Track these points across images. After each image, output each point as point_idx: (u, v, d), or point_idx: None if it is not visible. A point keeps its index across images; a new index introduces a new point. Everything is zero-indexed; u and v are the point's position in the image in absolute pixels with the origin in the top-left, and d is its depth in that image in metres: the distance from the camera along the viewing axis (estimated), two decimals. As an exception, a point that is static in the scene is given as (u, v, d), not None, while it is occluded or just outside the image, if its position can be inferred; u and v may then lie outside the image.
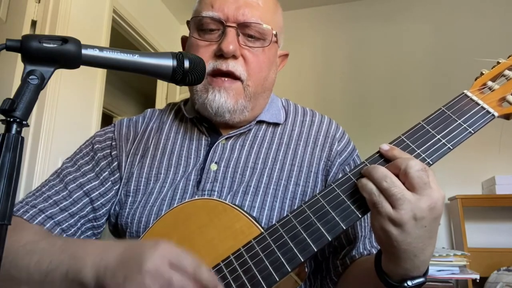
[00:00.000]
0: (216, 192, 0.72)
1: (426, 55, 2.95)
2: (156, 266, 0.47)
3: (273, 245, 0.54)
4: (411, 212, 0.48)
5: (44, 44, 0.45)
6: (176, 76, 0.55)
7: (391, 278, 0.54)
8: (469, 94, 0.59)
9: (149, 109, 0.89)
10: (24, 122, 0.41)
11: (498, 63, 0.62)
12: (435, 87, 2.81)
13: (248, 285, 0.52)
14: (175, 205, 0.65)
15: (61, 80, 2.00)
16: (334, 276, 0.72)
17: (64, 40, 0.46)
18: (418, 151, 0.55)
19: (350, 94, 3.06)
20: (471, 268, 2.03)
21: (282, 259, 0.52)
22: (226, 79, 0.72)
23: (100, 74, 2.32)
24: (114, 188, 0.77)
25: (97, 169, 0.77)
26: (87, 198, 0.74)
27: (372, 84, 3.02)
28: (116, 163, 0.78)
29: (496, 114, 0.57)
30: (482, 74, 0.62)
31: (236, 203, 0.69)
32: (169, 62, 0.54)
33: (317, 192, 0.57)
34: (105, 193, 0.76)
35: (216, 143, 0.77)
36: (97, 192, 0.75)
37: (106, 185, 0.76)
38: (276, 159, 0.76)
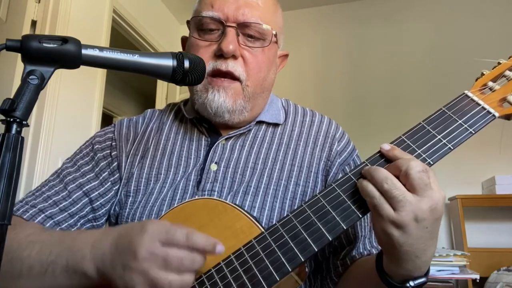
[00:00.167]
0: (216, 192, 0.72)
1: (426, 55, 2.95)
2: (149, 248, 0.48)
3: (273, 244, 0.54)
4: (413, 213, 0.48)
5: (44, 44, 0.45)
6: (176, 76, 0.55)
7: (392, 278, 0.54)
8: (469, 94, 0.59)
9: (149, 110, 0.89)
10: (24, 122, 0.42)
11: (499, 63, 0.62)
12: (435, 87, 2.81)
13: (248, 284, 0.52)
14: (175, 205, 0.65)
15: (61, 80, 2.00)
16: (335, 276, 0.72)
17: (64, 40, 0.46)
18: (419, 151, 0.55)
19: (350, 94, 3.06)
20: (471, 268, 2.03)
21: (283, 259, 0.52)
22: (225, 79, 0.72)
23: (100, 74, 2.32)
24: (114, 189, 0.77)
25: (97, 169, 0.77)
26: (87, 199, 0.74)
27: (372, 84, 3.02)
28: (116, 163, 0.78)
29: (496, 114, 0.57)
30: (482, 74, 0.62)
31: (237, 203, 0.69)
32: (169, 62, 0.54)
33: (318, 192, 0.57)
34: (104, 194, 0.76)
35: (216, 143, 0.77)
36: (96, 193, 0.75)
37: (106, 186, 0.76)
38: (276, 159, 0.76)
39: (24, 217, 0.68)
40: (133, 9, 2.80)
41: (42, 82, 0.45)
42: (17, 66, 1.90)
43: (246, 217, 0.59)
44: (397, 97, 2.93)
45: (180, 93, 3.24)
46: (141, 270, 0.47)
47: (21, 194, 1.76)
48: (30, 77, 0.44)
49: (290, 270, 0.52)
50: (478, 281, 1.98)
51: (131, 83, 4.72)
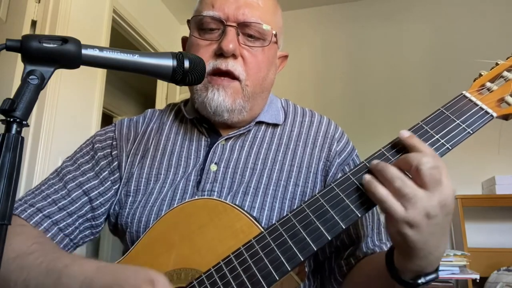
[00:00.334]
0: (216, 193, 0.72)
1: (426, 55, 2.95)
2: None
3: (272, 244, 0.54)
4: (424, 210, 0.48)
5: (44, 44, 0.45)
6: (176, 76, 0.55)
7: (404, 275, 0.54)
8: (467, 95, 0.60)
9: (149, 110, 0.89)
10: (24, 122, 0.42)
11: (497, 64, 0.62)
12: (434, 87, 2.81)
13: (247, 283, 0.52)
14: (175, 205, 0.65)
15: (61, 80, 2.00)
16: (339, 276, 0.72)
17: (64, 40, 0.46)
18: (418, 151, 0.55)
19: (349, 94, 3.06)
20: (471, 268, 2.03)
21: (282, 258, 0.53)
22: (224, 78, 0.72)
23: (100, 74, 2.32)
24: (114, 188, 0.77)
25: (97, 168, 0.77)
26: (86, 197, 0.74)
27: (371, 84, 3.02)
28: (116, 162, 0.78)
29: (494, 114, 0.57)
30: (480, 75, 0.62)
31: (236, 204, 0.70)
32: (169, 62, 0.54)
33: (317, 192, 0.57)
34: (104, 193, 0.76)
35: (216, 143, 0.77)
36: (96, 192, 0.75)
37: (106, 185, 0.76)
38: (275, 160, 0.76)
39: (22, 216, 0.68)
40: (133, 9, 2.80)
41: (42, 82, 0.45)
42: (17, 66, 1.90)
43: (245, 217, 0.59)
44: (397, 97, 2.93)
45: (180, 93, 3.24)
46: None
47: (21, 194, 1.76)
48: (30, 77, 0.44)
49: (289, 269, 0.52)
50: (478, 281, 1.98)
51: (131, 83, 4.72)
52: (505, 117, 0.59)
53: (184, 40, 0.84)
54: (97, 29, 2.35)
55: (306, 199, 0.56)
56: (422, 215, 0.48)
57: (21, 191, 1.78)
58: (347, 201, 0.54)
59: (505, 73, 0.61)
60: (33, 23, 2.04)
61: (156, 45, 3.10)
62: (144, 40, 2.97)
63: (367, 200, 0.53)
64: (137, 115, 0.88)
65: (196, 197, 0.70)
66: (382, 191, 0.50)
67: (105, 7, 2.42)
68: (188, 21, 0.79)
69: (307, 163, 0.76)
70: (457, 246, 2.54)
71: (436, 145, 0.55)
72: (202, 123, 0.80)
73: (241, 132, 0.78)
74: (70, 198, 0.73)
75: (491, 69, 0.63)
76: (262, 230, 0.56)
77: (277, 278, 0.52)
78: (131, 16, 2.75)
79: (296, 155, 0.77)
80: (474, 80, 0.62)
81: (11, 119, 0.41)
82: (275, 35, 0.76)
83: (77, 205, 0.73)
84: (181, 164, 0.77)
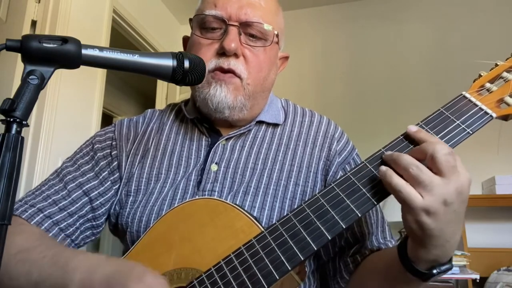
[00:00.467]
0: (216, 193, 0.72)
1: (426, 55, 2.95)
2: None
3: (273, 243, 0.54)
4: (441, 197, 0.48)
5: (44, 44, 0.45)
6: (176, 76, 0.55)
7: (418, 265, 0.53)
8: (467, 95, 0.60)
9: (149, 110, 0.89)
10: (24, 122, 0.42)
11: (496, 65, 0.63)
12: (434, 88, 2.81)
13: (248, 283, 0.52)
14: (175, 205, 0.65)
15: (61, 80, 2.00)
16: (346, 274, 0.71)
17: (64, 40, 0.46)
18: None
19: (350, 94, 3.06)
20: (471, 268, 2.03)
21: (282, 258, 0.53)
22: (226, 73, 0.72)
23: (100, 74, 2.32)
24: (114, 188, 0.77)
25: (97, 168, 0.77)
26: (86, 198, 0.74)
27: (372, 84, 3.02)
28: (116, 163, 0.79)
29: (494, 115, 0.57)
30: (480, 76, 0.62)
31: (237, 203, 0.70)
32: (169, 62, 0.54)
33: (317, 191, 0.57)
34: (104, 193, 0.76)
35: (217, 143, 0.77)
36: (96, 192, 0.75)
37: (106, 185, 0.76)
38: (275, 160, 0.76)
39: (23, 216, 0.68)
40: (133, 9, 2.80)
41: (42, 82, 0.45)
42: (17, 66, 1.90)
43: (246, 216, 0.59)
44: (397, 97, 2.93)
45: (180, 93, 3.24)
46: None
47: (21, 194, 1.76)
48: (30, 77, 0.44)
49: (289, 268, 0.52)
50: (478, 281, 1.98)
51: (131, 83, 4.72)
52: (505, 118, 0.59)
53: (186, 40, 0.84)
54: (97, 29, 2.35)
55: (307, 199, 0.56)
56: (439, 202, 0.48)
57: (21, 191, 1.78)
58: (347, 201, 0.54)
59: (505, 74, 0.61)
60: (33, 23, 2.04)
61: (156, 45, 3.10)
62: (144, 40, 2.97)
63: (367, 199, 0.54)
64: (137, 115, 0.88)
65: (197, 197, 0.71)
66: (398, 180, 0.50)
67: (105, 7, 2.42)
68: (190, 20, 0.79)
69: (307, 162, 0.76)
70: (457, 246, 2.54)
71: (436, 145, 0.55)
72: (203, 123, 0.80)
73: (241, 132, 0.78)
74: (70, 199, 0.73)
75: (490, 70, 0.63)
76: (263, 229, 0.56)
77: (277, 278, 0.52)
78: (131, 16, 2.75)
79: (296, 154, 0.77)
80: (474, 81, 0.63)
81: (11, 119, 0.41)
82: (277, 35, 0.76)
83: (77, 205, 0.73)
84: (182, 164, 0.77)
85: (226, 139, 0.78)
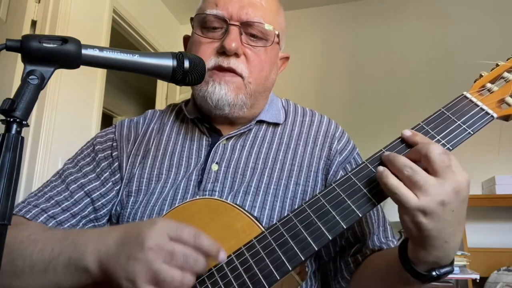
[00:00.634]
0: (217, 192, 0.72)
1: (426, 55, 2.95)
2: (157, 241, 0.48)
3: (273, 243, 0.54)
4: (438, 197, 0.47)
5: (44, 44, 0.45)
6: (176, 76, 0.55)
7: (419, 267, 0.53)
8: (468, 95, 0.60)
9: (149, 110, 0.89)
10: (24, 122, 0.42)
11: (497, 65, 0.63)
12: (435, 87, 2.82)
13: (248, 283, 0.52)
14: (176, 205, 0.65)
15: (61, 80, 2.00)
16: (347, 274, 0.71)
17: (64, 40, 0.46)
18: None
19: (350, 94, 3.06)
20: (471, 268, 2.03)
21: (283, 258, 0.53)
22: (226, 73, 0.72)
23: (100, 74, 2.32)
24: (115, 189, 0.77)
25: (98, 169, 0.77)
26: (88, 199, 0.74)
27: (372, 84, 3.02)
28: (116, 163, 0.79)
29: (495, 115, 0.57)
30: (481, 76, 0.62)
31: (237, 203, 0.70)
32: (169, 62, 0.54)
33: (318, 191, 0.57)
34: (106, 194, 0.76)
35: (217, 143, 0.77)
36: (98, 193, 0.75)
37: (107, 186, 0.76)
38: (276, 159, 0.76)
39: (27, 216, 0.68)
40: (133, 9, 2.80)
41: (42, 82, 0.45)
42: (17, 66, 1.90)
43: (246, 216, 0.59)
44: (397, 97, 2.93)
45: (180, 93, 3.24)
46: (146, 261, 0.47)
47: (21, 194, 1.76)
48: (30, 77, 0.44)
49: (290, 269, 0.52)
50: (478, 281, 1.98)
51: (131, 83, 4.72)
52: (506, 118, 0.59)
53: (186, 39, 0.84)
54: (97, 29, 2.35)
55: (307, 199, 0.56)
56: (436, 202, 0.47)
57: (21, 191, 1.78)
58: (348, 201, 0.54)
59: (506, 74, 0.61)
60: (33, 23, 2.04)
61: (156, 45, 3.10)
62: (144, 40, 2.97)
63: (368, 200, 0.53)
64: (137, 115, 0.88)
65: (197, 197, 0.70)
66: (393, 181, 0.50)
67: (105, 7, 2.42)
68: (191, 19, 0.79)
69: (307, 162, 0.76)
70: (458, 247, 2.53)
71: (437, 145, 0.55)
72: (203, 123, 0.80)
73: (242, 132, 0.78)
74: (73, 200, 0.73)
75: (491, 70, 0.63)
76: (263, 230, 0.56)
77: (278, 278, 0.52)
78: (131, 16, 2.76)
79: (296, 154, 0.77)
80: (475, 81, 0.63)
81: (11, 119, 0.41)
82: (278, 36, 0.76)
83: (80, 206, 0.73)
84: (182, 164, 0.77)
85: (227, 139, 0.78)
